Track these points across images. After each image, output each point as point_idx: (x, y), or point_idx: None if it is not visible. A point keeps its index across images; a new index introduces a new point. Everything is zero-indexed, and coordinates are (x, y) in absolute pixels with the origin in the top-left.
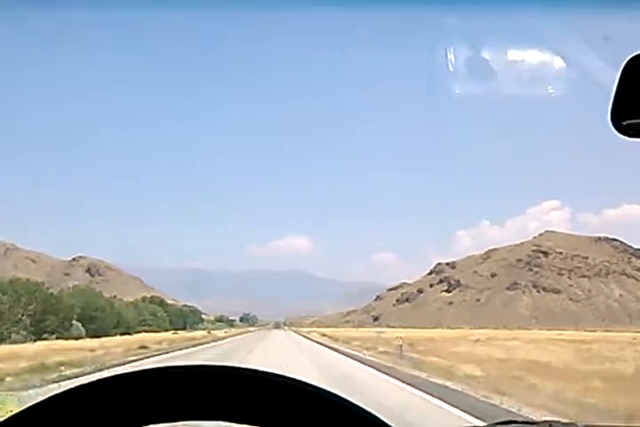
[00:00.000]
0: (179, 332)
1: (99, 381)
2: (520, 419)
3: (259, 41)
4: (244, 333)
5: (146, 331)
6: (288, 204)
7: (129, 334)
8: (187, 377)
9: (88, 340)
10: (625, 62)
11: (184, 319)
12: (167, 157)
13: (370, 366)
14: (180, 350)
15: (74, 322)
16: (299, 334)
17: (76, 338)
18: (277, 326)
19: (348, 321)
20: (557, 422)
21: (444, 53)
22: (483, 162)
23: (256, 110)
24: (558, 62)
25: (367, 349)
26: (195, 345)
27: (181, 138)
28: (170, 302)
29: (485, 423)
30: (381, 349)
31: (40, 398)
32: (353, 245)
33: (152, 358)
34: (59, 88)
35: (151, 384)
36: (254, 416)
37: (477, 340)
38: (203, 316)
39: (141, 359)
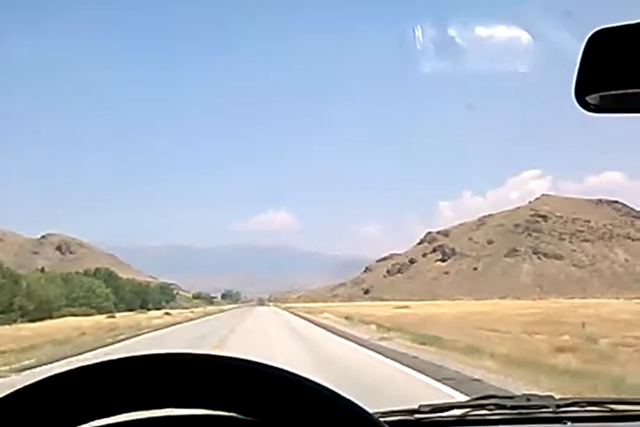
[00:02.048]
0: (118, 315)
1: (82, 368)
2: (499, 394)
3: (234, 20)
4: (216, 312)
5: (75, 314)
6: (269, 179)
7: (46, 318)
8: (166, 365)
9: None
10: (587, 38)
11: (144, 297)
12: (147, 131)
13: None
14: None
15: None
16: (289, 311)
17: None
18: (261, 302)
19: (336, 295)
20: (535, 395)
21: (413, 31)
22: (462, 134)
23: (236, 86)
24: (525, 38)
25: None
26: (113, 342)
27: (163, 113)
28: (142, 278)
29: (467, 398)
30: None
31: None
32: (336, 218)
33: None
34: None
35: (132, 372)
36: (232, 404)
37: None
38: (179, 293)
39: None
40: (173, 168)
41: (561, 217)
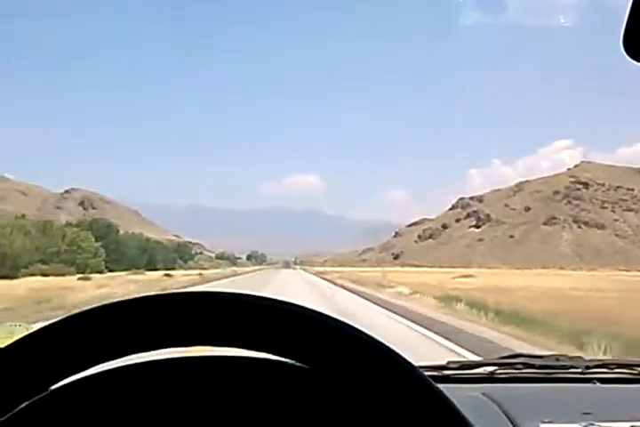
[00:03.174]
0: (100, 276)
1: (102, 307)
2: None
3: None
4: (233, 275)
5: (45, 273)
6: (297, 141)
7: (8, 277)
8: (234, 306)
9: None
10: None
11: (153, 255)
12: (175, 90)
13: None
14: None
15: None
16: (323, 278)
17: None
18: (287, 265)
19: (364, 260)
20: (564, 355)
21: None
22: (493, 99)
23: (261, 49)
24: None
25: None
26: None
27: (191, 71)
28: (165, 237)
29: (496, 357)
30: None
31: (31, 330)
32: (363, 182)
33: None
34: (45, 17)
35: (170, 309)
36: (287, 349)
37: None
38: (204, 252)
39: None
40: (201, 129)
41: (603, 185)
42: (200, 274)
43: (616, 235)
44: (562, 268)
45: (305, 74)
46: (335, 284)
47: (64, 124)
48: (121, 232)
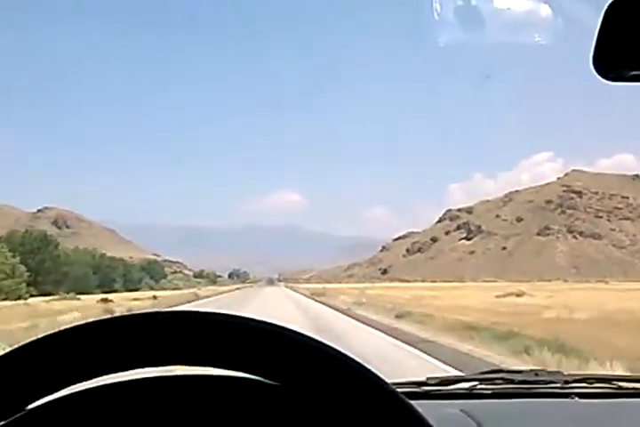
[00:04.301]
0: None
1: (95, 322)
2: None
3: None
4: (205, 296)
5: None
6: (278, 158)
7: None
8: (201, 324)
9: None
10: (606, 6)
11: (108, 274)
12: (154, 108)
13: None
14: None
15: None
16: (314, 299)
17: None
18: (271, 282)
19: (351, 275)
20: (542, 370)
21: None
22: (473, 114)
23: (245, 67)
24: (544, 9)
25: None
26: None
27: (173, 90)
28: (143, 255)
29: (475, 373)
30: None
31: (23, 343)
32: (345, 198)
33: None
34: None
35: (142, 329)
36: (256, 366)
37: None
38: (181, 271)
39: None
40: (183, 148)
41: (596, 193)
42: (154, 297)
43: (613, 245)
44: (566, 280)
45: (285, 92)
46: (334, 308)
47: (40, 141)
48: (71, 247)
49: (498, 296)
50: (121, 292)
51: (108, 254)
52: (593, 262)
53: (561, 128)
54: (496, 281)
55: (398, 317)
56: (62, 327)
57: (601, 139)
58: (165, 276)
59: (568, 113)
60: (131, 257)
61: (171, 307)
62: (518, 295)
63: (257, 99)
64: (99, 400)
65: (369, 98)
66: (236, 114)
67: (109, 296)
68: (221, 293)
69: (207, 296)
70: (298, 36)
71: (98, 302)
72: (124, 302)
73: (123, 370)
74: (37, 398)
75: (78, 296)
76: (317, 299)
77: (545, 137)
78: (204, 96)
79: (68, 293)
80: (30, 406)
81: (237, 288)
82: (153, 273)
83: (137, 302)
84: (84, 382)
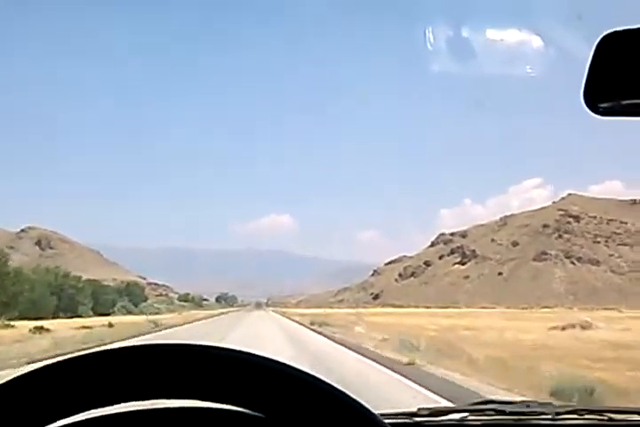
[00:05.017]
0: None
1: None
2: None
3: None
4: (176, 324)
5: None
6: (268, 183)
7: None
8: (163, 356)
9: None
10: (597, 41)
11: (73, 297)
12: (145, 127)
13: None
14: None
15: None
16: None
17: None
18: (259, 306)
19: (341, 300)
20: (534, 402)
21: (423, 32)
22: (461, 141)
23: (236, 90)
24: (535, 41)
25: None
26: None
27: (164, 110)
28: (128, 277)
29: (466, 404)
30: None
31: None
32: (334, 223)
33: None
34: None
35: (123, 363)
36: (239, 398)
37: None
38: (167, 294)
39: None
40: (172, 169)
41: (594, 217)
42: (110, 325)
43: (612, 271)
44: (570, 307)
45: (279, 116)
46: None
47: (26, 160)
48: (31, 266)
49: (554, 328)
50: (86, 316)
51: (91, 277)
52: (591, 289)
53: (550, 154)
54: (494, 307)
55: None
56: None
57: (591, 165)
58: (146, 299)
59: (556, 140)
60: (114, 279)
61: (122, 340)
62: (584, 328)
63: (248, 122)
64: None
65: (360, 123)
66: (225, 138)
67: (49, 323)
68: (197, 320)
69: (174, 325)
70: (295, 58)
71: (30, 330)
72: (64, 331)
73: (108, 404)
74: None
75: (12, 323)
76: (323, 332)
77: (534, 164)
78: (196, 118)
79: (16, 318)
80: None
81: (220, 313)
82: (133, 296)
83: (82, 331)
84: (74, 416)
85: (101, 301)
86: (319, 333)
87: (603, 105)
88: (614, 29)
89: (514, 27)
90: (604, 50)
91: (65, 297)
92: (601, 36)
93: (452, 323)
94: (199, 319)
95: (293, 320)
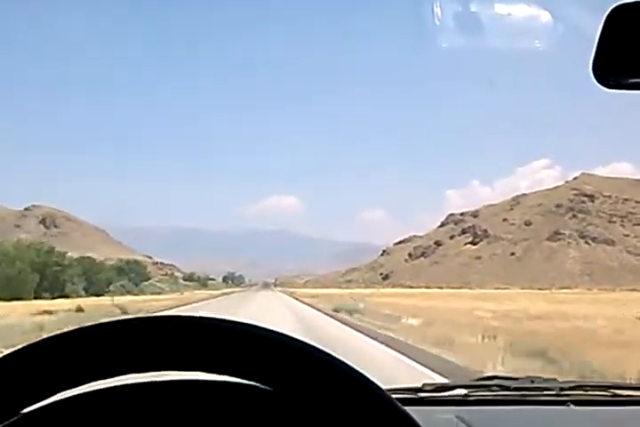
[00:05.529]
0: None
1: (94, 326)
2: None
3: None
4: (174, 305)
5: None
6: (275, 163)
7: None
8: (192, 328)
9: None
10: (607, 12)
11: (54, 276)
12: (149, 109)
13: None
14: None
15: None
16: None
17: None
18: (266, 286)
19: (349, 280)
20: (539, 377)
21: (431, 7)
22: (471, 119)
23: (241, 71)
24: (545, 15)
25: None
26: None
27: (166, 94)
28: (133, 257)
29: (471, 379)
30: None
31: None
32: (341, 203)
33: None
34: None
35: (128, 334)
36: (249, 371)
37: None
38: (173, 273)
39: None
40: (178, 149)
41: (609, 197)
42: (79, 309)
43: (627, 251)
44: (590, 289)
45: (282, 96)
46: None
47: (31, 139)
48: (58, 247)
49: None
50: (76, 297)
51: (96, 256)
52: (606, 269)
53: (559, 135)
54: (508, 288)
55: None
56: (56, 332)
57: (600, 146)
58: (148, 278)
59: (566, 120)
60: (120, 259)
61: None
62: None
63: (253, 102)
64: (92, 405)
65: (367, 101)
66: (229, 117)
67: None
68: (195, 301)
69: (159, 310)
70: (297, 40)
71: None
72: (13, 317)
73: (115, 375)
74: (32, 403)
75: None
76: (361, 329)
77: (543, 143)
78: (200, 100)
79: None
80: (25, 411)
81: (224, 293)
82: (133, 275)
83: (36, 319)
84: (79, 387)
85: (95, 280)
86: (357, 329)
87: (612, 78)
88: (624, 1)
89: (522, 1)
90: (613, 22)
91: (50, 275)
92: (611, 8)
93: (504, 309)
94: (198, 301)
95: (305, 303)
